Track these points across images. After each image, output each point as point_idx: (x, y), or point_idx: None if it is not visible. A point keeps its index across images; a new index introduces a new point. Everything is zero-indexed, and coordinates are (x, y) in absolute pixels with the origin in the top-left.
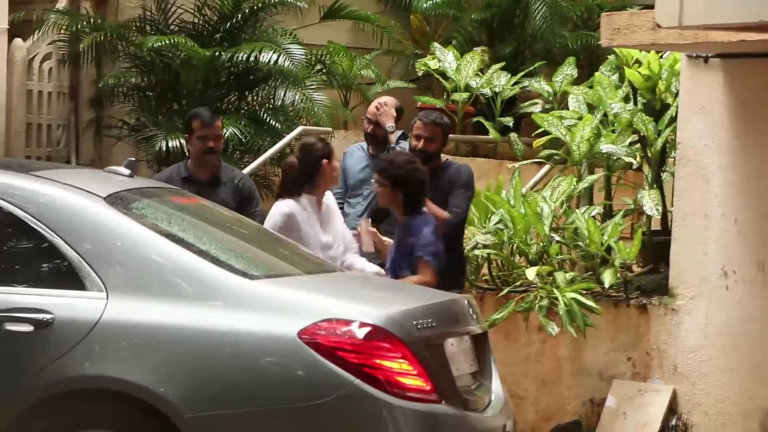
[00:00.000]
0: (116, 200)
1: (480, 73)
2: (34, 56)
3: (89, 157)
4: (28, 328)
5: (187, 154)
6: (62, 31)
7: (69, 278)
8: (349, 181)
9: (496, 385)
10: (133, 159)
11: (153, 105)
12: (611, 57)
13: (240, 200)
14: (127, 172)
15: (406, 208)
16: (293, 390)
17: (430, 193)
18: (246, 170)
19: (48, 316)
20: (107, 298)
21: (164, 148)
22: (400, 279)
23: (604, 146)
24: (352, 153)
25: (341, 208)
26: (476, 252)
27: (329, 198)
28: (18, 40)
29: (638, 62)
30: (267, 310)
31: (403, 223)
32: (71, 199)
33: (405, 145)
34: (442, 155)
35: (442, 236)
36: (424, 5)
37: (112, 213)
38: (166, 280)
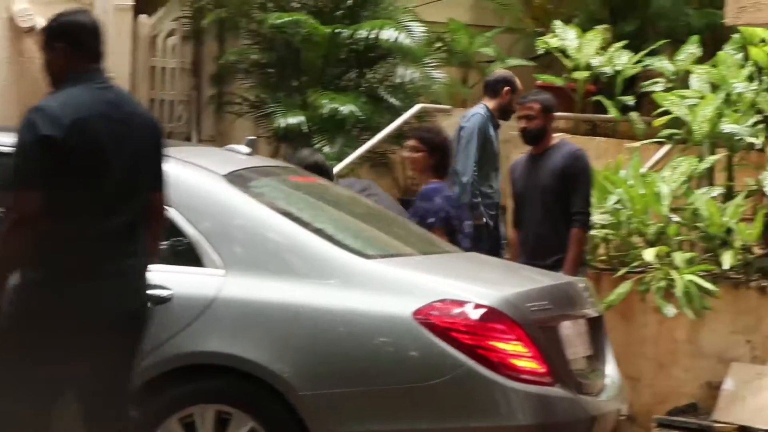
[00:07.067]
0: (235, 178)
1: (602, 52)
2: (158, 33)
3: (210, 133)
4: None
5: None
6: (186, 8)
7: (188, 255)
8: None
9: (611, 370)
10: (254, 137)
11: (273, 82)
12: (736, 36)
13: None
14: (246, 150)
15: (437, 172)
16: (407, 370)
17: (529, 179)
18: (364, 147)
19: (167, 292)
20: (225, 275)
21: (283, 125)
22: None
23: (727, 126)
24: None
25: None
26: (593, 232)
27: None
28: (143, 17)
29: (764, 41)
30: (382, 289)
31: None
32: (192, 177)
33: None
34: (556, 135)
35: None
36: None
37: (232, 191)
38: (282, 258)
